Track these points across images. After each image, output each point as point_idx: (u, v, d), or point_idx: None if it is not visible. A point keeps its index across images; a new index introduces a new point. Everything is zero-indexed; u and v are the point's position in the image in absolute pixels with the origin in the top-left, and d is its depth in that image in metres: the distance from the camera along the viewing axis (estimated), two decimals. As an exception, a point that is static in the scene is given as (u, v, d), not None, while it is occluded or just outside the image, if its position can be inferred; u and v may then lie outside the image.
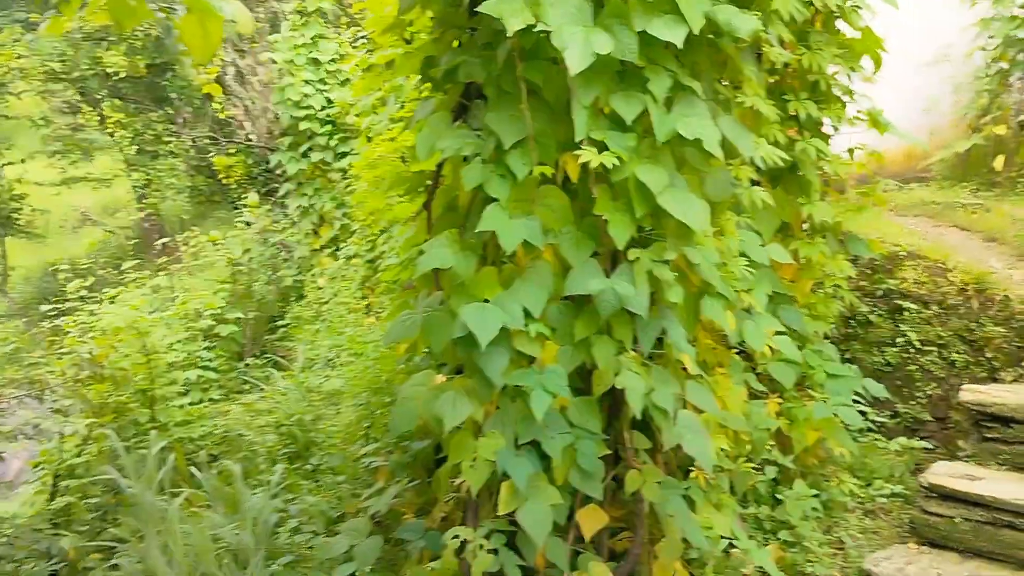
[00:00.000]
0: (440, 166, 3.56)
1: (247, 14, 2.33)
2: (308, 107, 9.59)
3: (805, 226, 4.22)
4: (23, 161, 12.89)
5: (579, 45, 2.67)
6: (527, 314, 2.88)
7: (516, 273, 3.00)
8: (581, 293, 2.90)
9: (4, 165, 12.58)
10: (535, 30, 2.74)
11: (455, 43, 3.49)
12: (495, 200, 2.91)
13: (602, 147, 2.82)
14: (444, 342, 2.98)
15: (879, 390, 4.05)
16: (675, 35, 2.72)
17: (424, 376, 3.06)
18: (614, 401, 3.24)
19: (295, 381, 6.90)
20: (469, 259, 2.96)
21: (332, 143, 9.66)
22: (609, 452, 3.03)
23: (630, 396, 2.85)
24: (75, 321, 7.24)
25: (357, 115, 8.28)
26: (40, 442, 6.08)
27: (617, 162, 2.79)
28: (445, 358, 3.23)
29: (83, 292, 7.82)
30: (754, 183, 3.85)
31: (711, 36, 3.00)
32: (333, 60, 9.74)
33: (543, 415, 2.76)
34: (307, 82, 9.60)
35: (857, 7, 3.90)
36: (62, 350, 6.53)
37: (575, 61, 2.65)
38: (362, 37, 8.90)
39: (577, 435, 2.92)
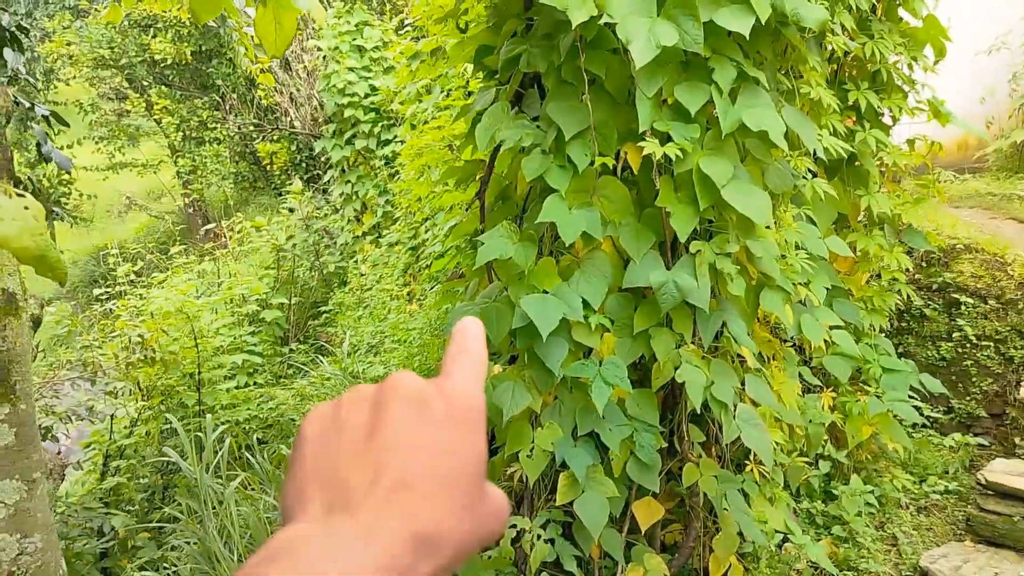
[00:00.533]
0: (493, 156, 3.57)
1: (319, 6, 2.34)
2: (352, 94, 9.62)
3: (861, 218, 4.16)
4: (71, 147, 13.12)
5: (644, 37, 2.65)
6: (586, 305, 2.88)
7: (574, 264, 3.00)
8: (642, 285, 2.89)
9: (57, 149, 12.81)
10: (599, 22, 2.72)
11: (511, 33, 3.49)
12: (554, 191, 2.90)
13: (665, 138, 2.80)
14: (503, 333, 2.98)
15: (936, 385, 3.99)
16: (742, 24, 2.68)
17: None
18: (670, 393, 3.23)
19: (340, 366, 6.97)
20: (528, 250, 2.96)
21: (376, 130, 9.68)
22: (666, 445, 3.03)
23: (690, 389, 2.84)
24: (125, 305, 7.37)
25: (401, 103, 8.30)
26: (90, 423, 6.22)
27: (680, 154, 2.77)
28: (501, 348, 3.24)
29: (131, 276, 7.97)
30: (812, 174, 3.81)
31: (776, 25, 2.96)
32: (377, 48, 9.75)
33: (603, 406, 2.77)
34: (351, 69, 9.63)
35: (921, -5, 3.82)
36: (113, 333, 6.66)
37: (640, 53, 2.63)
38: (407, 25, 8.91)
39: (635, 427, 2.92)
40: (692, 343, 2.97)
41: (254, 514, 3.87)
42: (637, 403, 2.97)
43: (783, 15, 2.84)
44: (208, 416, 4.92)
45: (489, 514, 0.44)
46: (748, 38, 2.72)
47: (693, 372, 2.86)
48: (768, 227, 3.08)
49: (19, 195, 1.00)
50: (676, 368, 2.89)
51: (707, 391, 2.87)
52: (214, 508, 3.98)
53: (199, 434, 4.98)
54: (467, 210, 4.12)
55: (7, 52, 3.98)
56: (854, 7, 3.51)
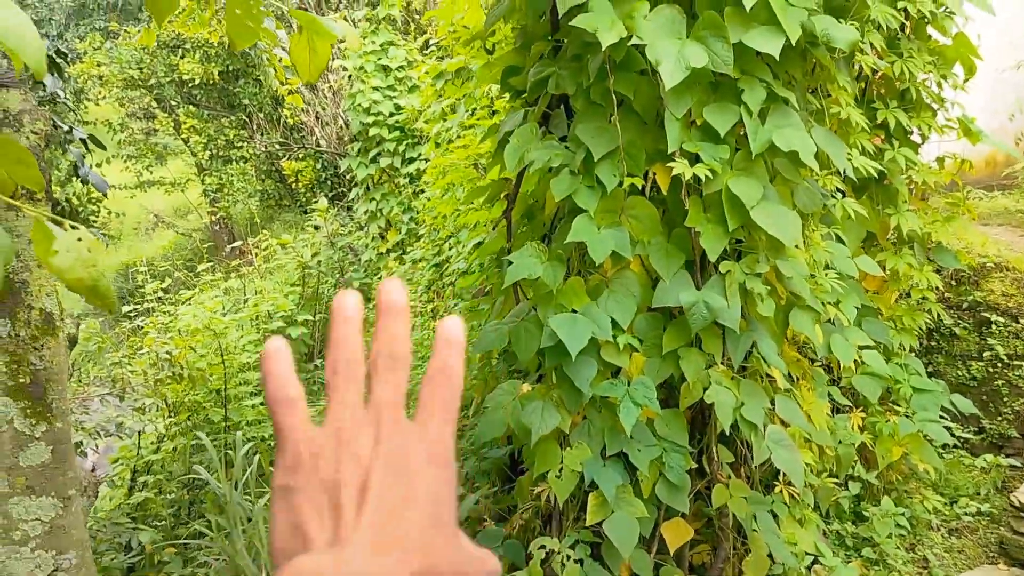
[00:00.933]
0: (520, 175, 3.59)
1: (354, 32, 2.38)
2: (377, 113, 9.71)
3: (890, 236, 4.13)
4: (99, 165, 13.32)
5: (673, 59, 2.67)
6: (615, 325, 2.89)
7: (603, 284, 3.01)
8: (671, 305, 2.89)
9: (93, 167, 13.03)
10: (629, 44, 2.74)
11: (539, 55, 3.52)
12: (583, 211, 2.92)
13: (694, 159, 2.81)
14: (531, 351, 2.99)
15: (967, 406, 3.95)
16: (772, 46, 2.69)
17: (511, 385, 3.08)
18: (699, 414, 3.22)
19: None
20: (557, 269, 2.97)
21: (400, 149, 9.76)
22: (695, 465, 3.01)
23: (719, 410, 2.83)
24: (153, 322, 7.47)
25: (426, 122, 8.37)
26: (118, 439, 6.29)
27: (710, 174, 2.77)
28: (530, 367, 3.24)
29: (159, 293, 8.08)
30: (840, 193, 3.80)
31: (806, 46, 2.97)
32: (402, 67, 9.84)
33: (631, 427, 2.76)
34: (376, 89, 9.72)
35: (951, 13, 3.81)
36: (141, 350, 6.74)
37: (670, 75, 2.65)
38: (433, 45, 8.99)
39: (664, 448, 2.92)
40: (721, 363, 2.96)
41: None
42: (666, 423, 2.97)
43: (813, 36, 2.84)
44: (238, 434, 4.95)
45: (467, 554, 0.47)
46: (778, 59, 2.73)
47: (723, 393, 2.86)
48: (797, 247, 3.07)
49: (73, 227, 1.03)
50: (705, 389, 2.88)
51: (736, 412, 2.86)
52: (242, 525, 4.01)
53: (228, 451, 5.02)
54: (493, 229, 4.14)
55: (47, 77, 4.07)
56: (884, 26, 3.50)
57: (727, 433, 2.91)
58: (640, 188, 2.99)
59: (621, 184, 2.91)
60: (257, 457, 4.62)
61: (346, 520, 0.44)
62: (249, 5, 2.20)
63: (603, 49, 2.70)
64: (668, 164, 2.81)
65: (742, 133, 2.90)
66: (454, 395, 0.50)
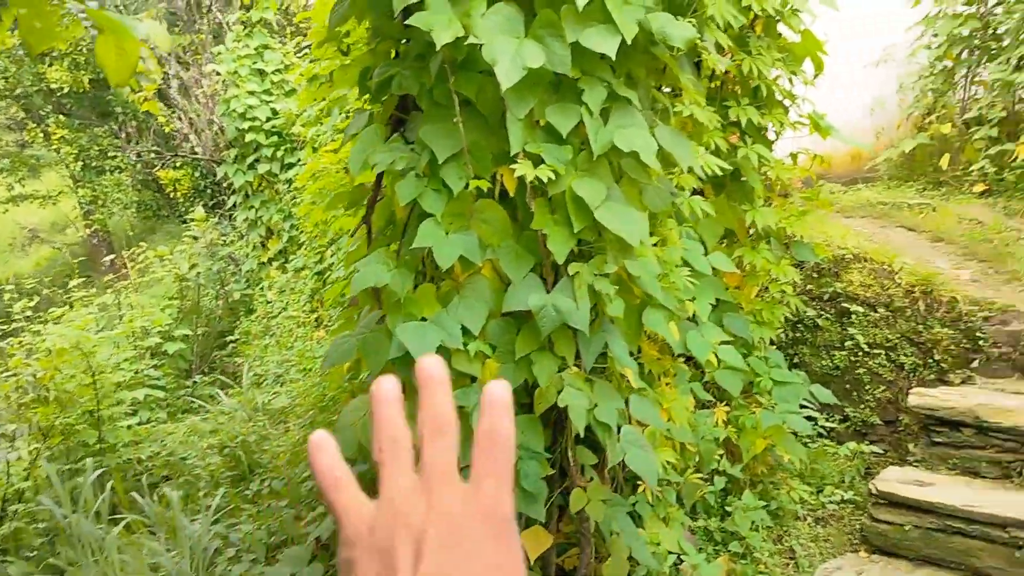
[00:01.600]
0: (379, 180, 3.48)
1: (163, 32, 2.23)
2: (254, 118, 9.43)
3: (752, 232, 4.20)
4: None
5: (510, 58, 2.61)
6: (466, 332, 2.81)
7: (455, 290, 2.93)
8: (521, 309, 2.83)
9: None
10: (466, 43, 2.67)
11: (391, 54, 3.42)
12: (430, 215, 2.83)
13: (538, 160, 2.76)
14: (381, 363, 2.89)
15: (826, 396, 4.05)
16: (608, 45, 2.66)
17: (362, 400, 2.97)
18: (559, 417, 3.18)
19: (242, 399, 6.76)
20: (405, 276, 2.88)
21: (279, 154, 9.51)
22: (553, 471, 2.97)
23: (572, 413, 2.79)
24: (20, 342, 7.08)
25: (303, 126, 8.16)
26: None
27: (553, 176, 2.73)
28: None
29: (28, 312, 7.67)
30: (698, 191, 3.83)
31: (647, 44, 2.96)
32: (278, 71, 9.59)
33: (483, 436, 2.69)
34: (252, 93, 9.44)
35: (796, 10, 3.89)
36: (7, 373, 6.37)
37: (506, 75, 2.59)
38: (307, 47, 8.78)
39: (519, 455, 2.85)
40: (575, 366, 2.93)
41: (136, 560, 3.68)
42: (522, 430, 2.91)
43: (651, 34, 2.83)
44: (88, 460, 4.68)
45: None
46: (617, 58, 2.71)
47: (576, 395, 2.82)
48: (648, 246, 3.06)
49: None
50: (559, 392, 2.83)
51: (590, 414, 2.82)
52: (94, 556, 3.78)
53: (103, 476, 4.76)
54: (353, 235, 4.02)
55: None
56: (729, 24, 3.53)
57: (582, 435, 2.87)
58: (490, 191, 2.92)
59: (468, 187, 2.84)
60: (110, 484, 4.37)
61: None
62: (35, 4, 2.03)
63: (438, 48, 2.62)
64: (512, 166, 2.75)
65: (587, 134, 2.86)
66: (506, 456, 0.51)
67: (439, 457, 0.50)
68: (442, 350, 2.74)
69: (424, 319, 2.82)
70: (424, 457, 0.50)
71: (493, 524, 0.48)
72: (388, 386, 0.53)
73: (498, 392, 0.53)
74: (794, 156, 4.21)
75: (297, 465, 4.72)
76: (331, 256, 7.91)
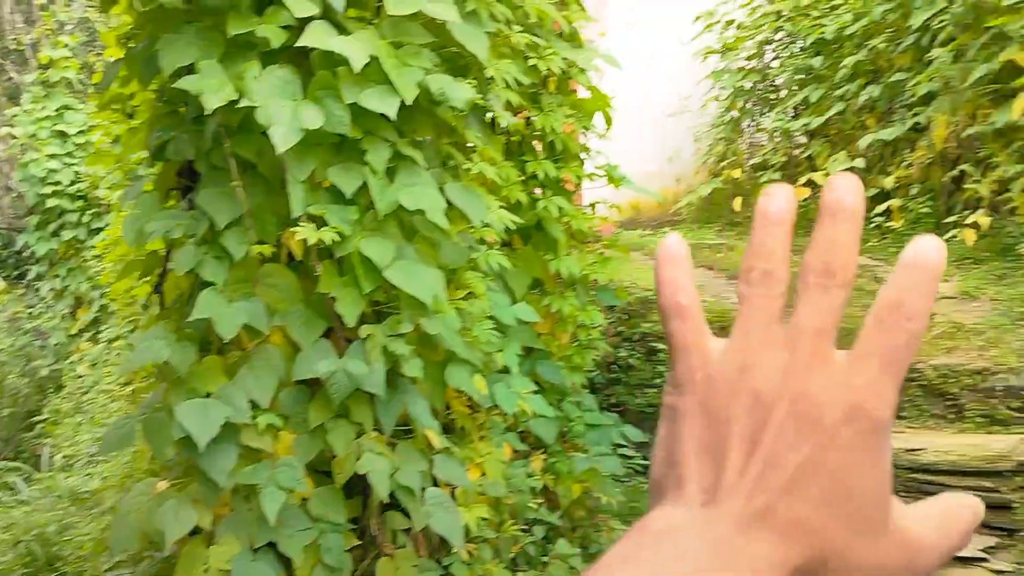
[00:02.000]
0: (169, 248, 3.32)
1: None
2: (56, 183, 8.87)
3: (560, 279, 4.29)
4: None
5: (286, 121, 2.56)
6: (254, 405, 2.69)
7: (243, 360, 2.80)
8: (311, 376, 2.74)
9: None
10: (239, 106, 2.60)
11: (173, 117, 3.28)
12: (210, 284, 2.71)
13: (322, 222, 2.71)
14: (167, 445, 2.71)
15: (637, 435, 4.15)
16: (388, 106, 2.66)
17: (145, 485, 2.77)
18: (366, 485, 3.09)
19: (47, 486, 6.22)
20: (188, 350, 2.73)
21: (85, 219, 8.97)
22: (359, 542, 2.87)
23: (374, 480, 2.71)
24: None
25: (108, 188, 7.74)
26: None
27: (338, 237, 2.68)
28: (176, 461, 2.95)
29: None
30: (507, 243, 3.89)
31: (429, 105, 2.98)
32: (82, 132, 9.08)
33: (276, 513, 2.57)
34: (53, 156, 8.89)
35: (583, 69, 4.05)
36: None
37: (282, 138, 2.53)
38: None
39: (320, 529, 2.74)
40: (376, 430, 2.86)
41: None
42: (322, 502, 2.80)
43: (431, 95, 2.85)
44: None
45: (891, 550, 0.37)
46: (400, 118, 2.71)
47: (376, 461, 2.74)
48: (446, 303, 3.05)
49: None
50: (358, 459, 2.75)
51: (393, 479, 2.76)
52: None
53: None
54: (145, 307, 3.81)
55: None
56: (519, 82, 3.62)
57: (386, 501, 2.80)
58: (276, 255, 2.83)
59: (249, 253, 2.74)
60: None
61: (727, 472, 0.36)
62: None
63: (208, 112, 2.54)
64: (293, 230, 2.68)
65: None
66: (908, 339, 0.37)
67: (817, 316, 0.38)
68: (229, 426, 2.60)
69: (209, 394, 2.67)
70: (798, 310, 0.39)
71: (858, 425, 0.36)
72: (779, 201, 0.41)
73: (931, 249, 0.37)
74: (592, 206, 4.36)
75: (100, 554, 4.34)
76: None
